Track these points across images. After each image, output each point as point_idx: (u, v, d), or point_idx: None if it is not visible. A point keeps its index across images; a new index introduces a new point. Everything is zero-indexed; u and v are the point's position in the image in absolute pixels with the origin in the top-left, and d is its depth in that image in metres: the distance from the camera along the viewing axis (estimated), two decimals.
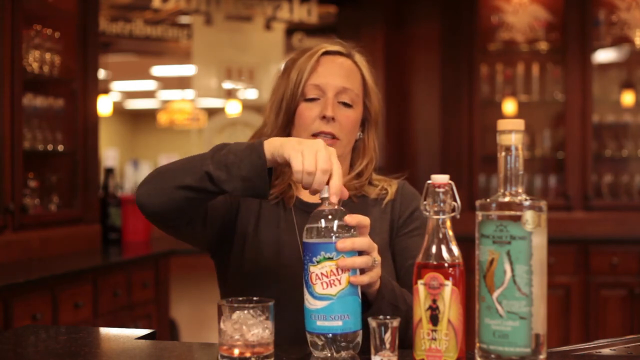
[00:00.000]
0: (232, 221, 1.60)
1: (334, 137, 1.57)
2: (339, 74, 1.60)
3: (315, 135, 1.56)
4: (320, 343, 1.26)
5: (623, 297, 4.48)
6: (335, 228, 1.25)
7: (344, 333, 1.25)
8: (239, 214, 1.61)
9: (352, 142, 1.64)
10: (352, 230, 1.27)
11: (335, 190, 1.28)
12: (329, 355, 1.26)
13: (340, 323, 1.24)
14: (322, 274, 1.24)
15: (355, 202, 1.63)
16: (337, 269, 1.24)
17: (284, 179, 1.63)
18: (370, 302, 1.37)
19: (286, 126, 1.61)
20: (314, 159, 1.28)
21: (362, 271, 1.28)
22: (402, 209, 1.64)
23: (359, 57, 1.65)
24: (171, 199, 1.38)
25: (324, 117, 1.56)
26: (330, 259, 1.24)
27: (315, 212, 1.28)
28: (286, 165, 1.32)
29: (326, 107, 1.56)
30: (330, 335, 1.25)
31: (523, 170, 1.15)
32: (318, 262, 1.25)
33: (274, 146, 1.32)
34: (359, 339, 1.27)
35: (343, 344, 1.25)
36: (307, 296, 1.27)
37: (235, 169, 1.32)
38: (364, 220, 1.29)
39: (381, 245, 1.56)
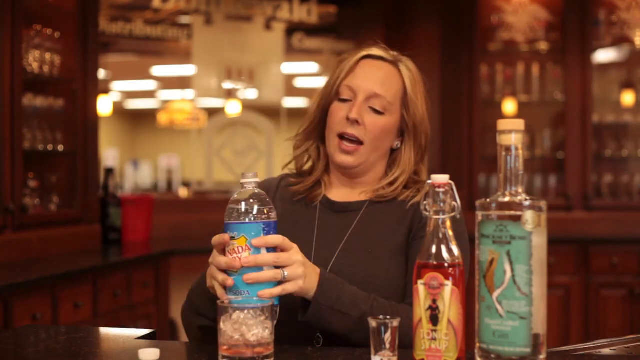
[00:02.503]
0: None
1: (357, 140, 1.56)
2: (374, 79, 1.58)
3: (340, 136, 1.57)
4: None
5: (623, 297, 4.48)
6: (238, 209, 1.30)
7: None
8: None
9: (382, 150, 1.61)
10: (258, 212, 1.30)
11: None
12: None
13: (240, 298, 1.30)
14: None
15: (382, 203, 1.62)
16: (237, 247, 1.29)
17: (312, 176, 1.64)
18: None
19: (320, 120, 1.63)
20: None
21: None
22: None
23: (405, 66, 1.63)
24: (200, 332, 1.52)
25: (348, 119, 1.56)
26: (232, 238, 1.30)
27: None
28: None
29: (351, 110, 1.56)
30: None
31: (523, 170, 1.15)
32: None
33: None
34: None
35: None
36: None
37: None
38: (275, 240, 1.30)
39: (394, 248, 1.55)
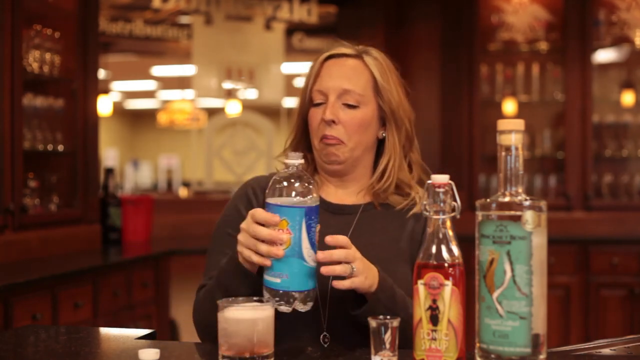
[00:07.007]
0: None
1: (339, 140, 1.58)
2: (340, 77, 1.60)
3: (322, 139, 1.58)
4: (266, 295, 1.31)
5: (623, 297, 4.48)
6: (282, 190, 1.30)
7: (279, 290, 1.29)
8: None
9: (365, 142, 1.62)
10: (302, 196, 1.29)
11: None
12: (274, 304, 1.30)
13: (278, 280, 1.29)
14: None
15: (377, 209, 1.63)
16: (278, 230, 1.28)
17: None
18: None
19: (304, 130, 1.65)
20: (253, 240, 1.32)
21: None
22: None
23: (371, 56, 1.63)
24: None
25: (324, 120, 1.57)
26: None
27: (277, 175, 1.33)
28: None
29: (324, 111, 1.58)
30: (271, 289, 1.30)
31: (523, 170, 1.15)
32: None
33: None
34: (299, 299, 1.30)
35: (281, 300, 1.29)
36: None
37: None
38: (342, 240, 1.34)
39: (397, 253, 1.57)
